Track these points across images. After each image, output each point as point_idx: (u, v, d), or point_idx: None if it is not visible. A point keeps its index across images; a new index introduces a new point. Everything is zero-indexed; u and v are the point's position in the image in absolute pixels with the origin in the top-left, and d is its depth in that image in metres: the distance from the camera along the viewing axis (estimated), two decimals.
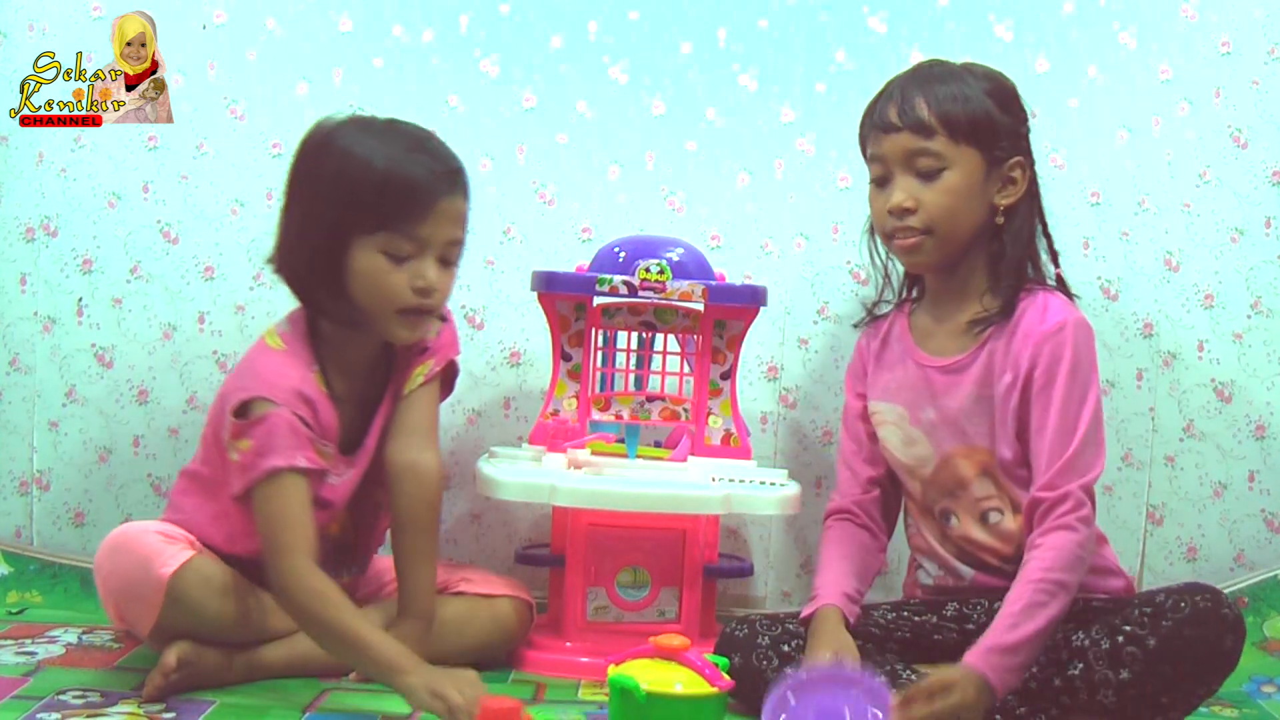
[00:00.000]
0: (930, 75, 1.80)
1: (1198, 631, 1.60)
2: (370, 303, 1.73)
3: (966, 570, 1.82)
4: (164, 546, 1.70)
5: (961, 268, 1.82)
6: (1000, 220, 1.79)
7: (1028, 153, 1.81)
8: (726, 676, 1.52)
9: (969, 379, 1.79)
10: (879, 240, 1.87)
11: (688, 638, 1.57)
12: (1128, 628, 1.63)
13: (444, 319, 1.87)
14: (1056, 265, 1.84)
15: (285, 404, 1.69)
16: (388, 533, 1.88)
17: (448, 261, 1.76)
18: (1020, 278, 1.79)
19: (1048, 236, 1.84)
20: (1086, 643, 1.64)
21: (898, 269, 1.92)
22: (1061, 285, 1.83)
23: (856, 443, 1.91)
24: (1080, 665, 1.63)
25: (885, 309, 1.93)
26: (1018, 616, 1.62)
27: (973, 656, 1.60)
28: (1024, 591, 1.64)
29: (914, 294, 1.91)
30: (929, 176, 1.76)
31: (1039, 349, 1.74)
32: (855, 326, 1.96)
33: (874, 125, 1.81)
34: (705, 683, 1.50)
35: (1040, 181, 1.84)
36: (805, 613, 1.75)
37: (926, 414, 1.82)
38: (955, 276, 1.83)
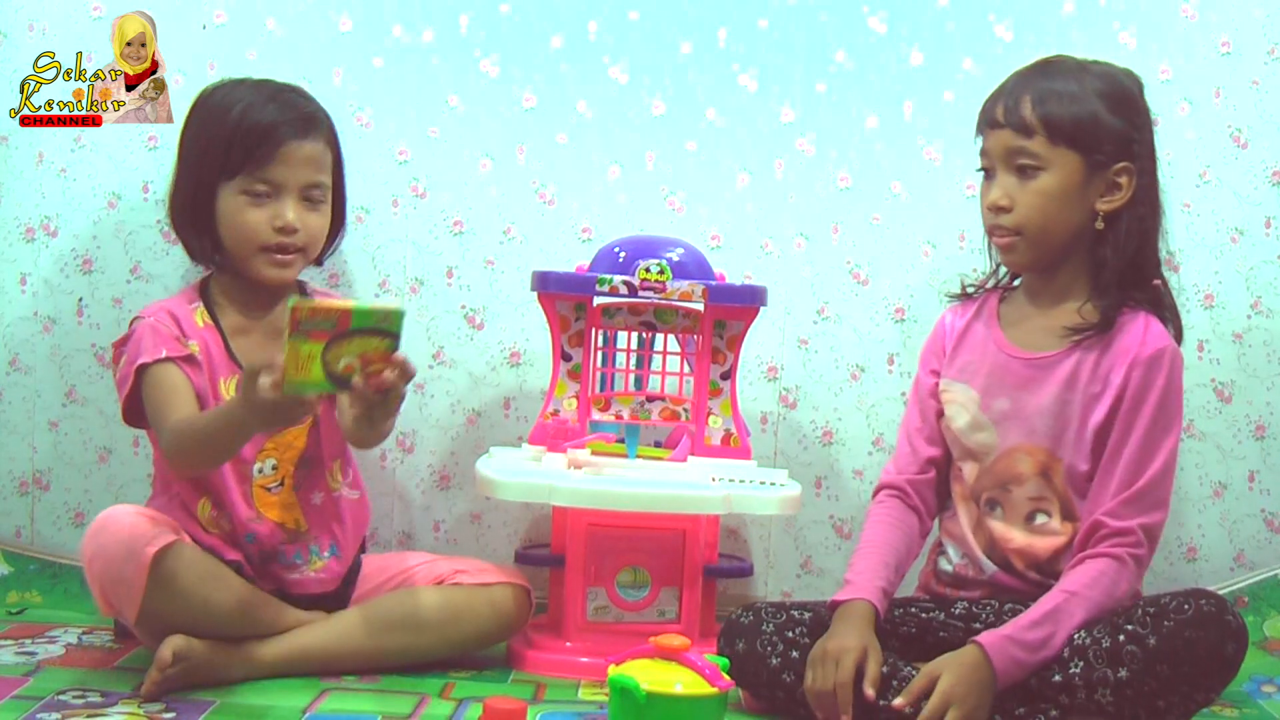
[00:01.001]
0: (1043, 72, 1.78)
1: (1199, 634, 1.60)
2: (235, 243, 1.87)
3: (989, 565, 1.81)
4: (149, 527, 1.70)
5: (1062, 272, 1.79)
6: (1100, 226, 1.75)
7: (1143, 158, 1.76)
8: (726, 676, 1.52)
9: (1055, 379, 1.77)
10: None
11: (688, 638, 1.57)
12: (1129, 626, 1.62)
13: (319, 263, 1.98)
14: (1159, 278, 1.80)
15: (149, 316, 1.85)
16: (373, 534, 1.96)
17: (313, 203, 1.88)
18: (1123, 291, 1.76)
19: (1152, 247, 1.79)
20: (1087, 640, 1.64)
21: None
22: (1156, 304, 1.78)
23: (923, 418, 1.89)
24: (1080, 663, 1.63)
25: (981, 291, 1.90)
26: (1043, 619, 1.63)
27: (984, 638, 1.61)
28: (1055, 597, 1.65)
29: (1013, 282, 1.89)
30: (1026, 176, 1.75)
31: (1133, 371, 1.73)
32: (947, 297, 1.95)
33: (983, 119, 1.80)
34: (705, 683, 1.50)
35: None
36: (838, 598, 1.73)
37: (999, 404, 1.80)
38: (1055, 281, 1.80)
